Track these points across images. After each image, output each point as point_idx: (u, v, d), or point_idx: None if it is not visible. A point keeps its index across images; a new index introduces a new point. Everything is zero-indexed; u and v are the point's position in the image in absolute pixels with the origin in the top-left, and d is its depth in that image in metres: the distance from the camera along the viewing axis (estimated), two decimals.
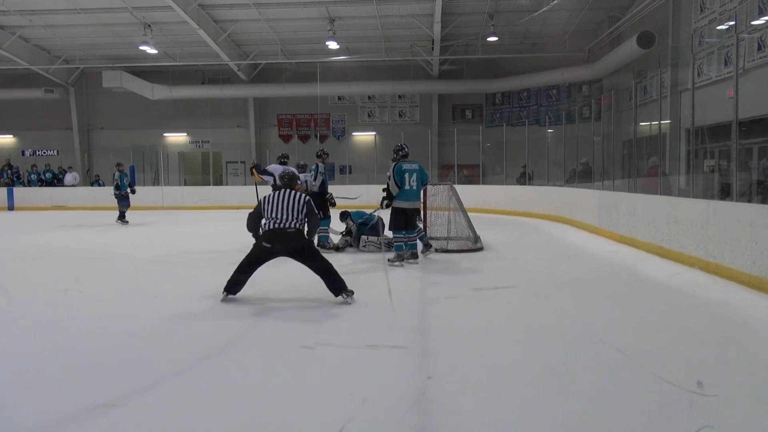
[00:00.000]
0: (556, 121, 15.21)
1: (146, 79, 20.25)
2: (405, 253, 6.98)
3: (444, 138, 19.21)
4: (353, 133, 21.63)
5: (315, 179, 8.19)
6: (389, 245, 7.75)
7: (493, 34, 16.16)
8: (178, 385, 3.15)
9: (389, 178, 6.99)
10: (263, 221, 4.94)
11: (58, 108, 21.77)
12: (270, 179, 8.03)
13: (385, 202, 7.04)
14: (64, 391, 3.04)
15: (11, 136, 22.61)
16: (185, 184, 20.61)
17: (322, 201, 7.98)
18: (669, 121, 10.17)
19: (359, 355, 3.64)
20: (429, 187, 8.46)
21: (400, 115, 21.52)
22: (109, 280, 6.32)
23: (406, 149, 7.17)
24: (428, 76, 20.08)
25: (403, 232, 6.95)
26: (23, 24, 16.69)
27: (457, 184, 11.92)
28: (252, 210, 5.12)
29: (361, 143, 21.38)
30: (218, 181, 20.88)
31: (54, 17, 16.25)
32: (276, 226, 4.81)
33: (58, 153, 22.00)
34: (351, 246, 8.22)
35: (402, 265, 6.84)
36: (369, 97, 21.45)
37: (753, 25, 9.92)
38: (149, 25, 16.14)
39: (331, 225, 8.40)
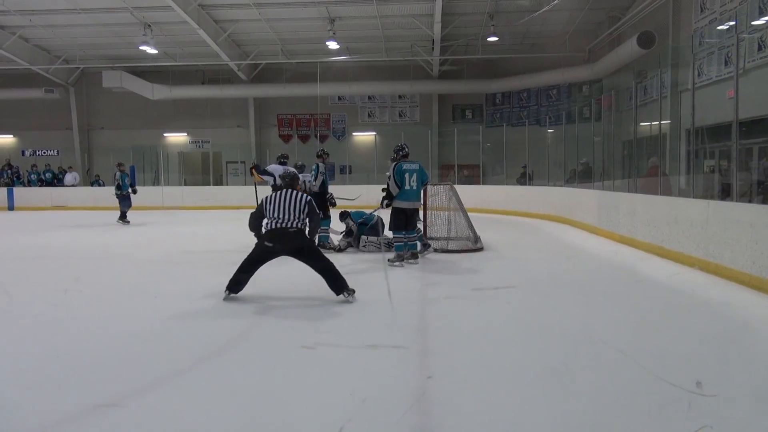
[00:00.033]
0: (556, 121, 15.21)
1: (146, 79, 20.25)
2: (405, 254, 6.98)
3: (444, 138, 19.21)
4: (353, 133, 21.64)
5: (315, 179, 8.18)
6: (389, 245, 7.75)
7: (494, 34, 16.16)
8: (178, 385, 3.15)
9: (389, 178, 6.99)
10: (265, 221, 4.98)
11: (58, 108, 21.78)
12: (270, 179, 8.03)
13: (386, 201, 7.04)
14: (64, 391, 3.04)
15: (11, 136, 22.62)
16: (185, 184, 20.61)
17: (322, 201, 7.98)
18: (669, 122, 10.17)
19: (359, 355, 3.64)
20: (429, 187, 8.46)
21: (400, 115, 21.52)
22: (109, 280, 6.32)
23: (407, 149, 7.17)
24: (428, 76, 20.08)
25: (403, 233, 6.95)
26: (23, 24, 16.70)
27: (457, 184, 11.92)
28: (254, 210, 5.16)
29: (361, 143, 21.38)
30: (218, 181, 20.88)
31: (54, 17, 16.26)
32: (278, 225, 4.86)
33: (58, 153, 22.01)
34: (351, 246, 8.21)
35: (402, 266, 6.84)
36: (369, 97, 21.45)
37: (753, 25, 9.92)
38: (149, 25, 16.14)
39: (331, 225, 8.40)
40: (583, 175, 12.03)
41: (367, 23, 16.66)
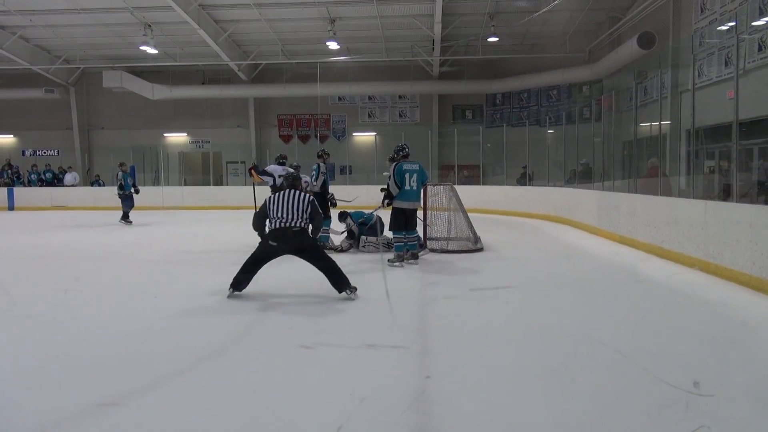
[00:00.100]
0: (556, 121, 15.22)
1: (146, 79, 20.26)
2: (405, 254, 6.98)
3: (444, 138, 19.22)
4: (353, 134, 21.65)
5: (316, 179, 8.20)
6: (389, 245, 7.76)
7: (494, 35, 16.17)
8: (178, 385, 3.15)
9: (389, 178, 7.00)
10: (269, 220, 5.08)
11: (58, 108, 21.78)
12: (269, 180, 8.02)
13: (386, 201, 7.05)
14: (64, 391, 3.04)
15: (11, 136, 22.63)
16: (185, 184, 20.62)
17: (323, 201, 7.99)
18: (669, 122, 10.18)
19: (358, 354, 3.64)
20: (429, 187, 8.46)
21: (400, 116, 21.52)
22: (109, 280, 6.32)
23: (407, 149, 7.17)
24: (428, 77, 20.09)
25: (403, 233, 6.95)
26: (24, 24, 16.70)
27: (458, 184, 11.93)
28: (257, 210, 5.26)
29: (361, 144, 21.39)
30: (218, 182, 20.89)
31: (54, 17, 16.26)
32: (281, 225, 4.96)
33: (58, 153, 22.02)
34: (353, 247, 8.21)
35: (402, 266, 6.84)
36: (369, 98, 21.46)
37: (753, 25, 9.93)
38: (149, 25, 16.15)
39: (331, 226, 8.40)
40: (583, 176, 12.03)
41: (367, 23, 16.67)
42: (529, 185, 14.95)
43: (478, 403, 2.83)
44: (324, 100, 21.18)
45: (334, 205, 8.46)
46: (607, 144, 10.40)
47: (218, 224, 12.69)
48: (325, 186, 8.27)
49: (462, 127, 19.23)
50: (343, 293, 5.01)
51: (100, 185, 19.71)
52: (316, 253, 5.17)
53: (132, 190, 12.81)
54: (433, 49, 17.90)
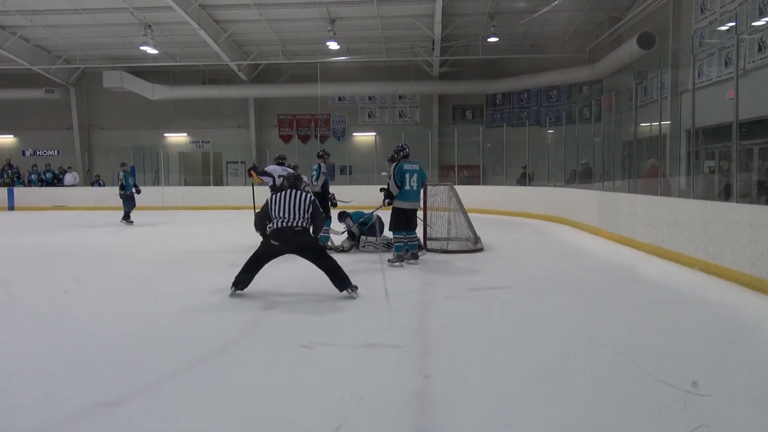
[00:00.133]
0: (556, 121, 15.21)
1: (147, 80, 20.27)
2: (405, 254, 6.98)
3: (444, 138, 19.22)
4: (353, 134, 21.65)
5: (317, 179, 8.21)
6: (388, 246, 7.76)
7: (494, 35, 16.17)
8: (178, 385, 3.15)
9: (389, 177, 7.00)
10: (270, 220, 5.14)
11: (58, 108, 21.79)
12: (269, 180, 8.02)
13: (387, 200, 7.05)
14: (64, 390, 3.05)
15: (12, 136, 22.63)
16: (185, 185, 20.63)
17: (323, 201, 7.99)
18: (669, 122, 10.18)
19: (357, 354, 3.65)
20: (429, 187, 8.47)
21: (400, 116, 21.53)
22: (109, 280, 6.32)
23: (407, 150, 7.17)
24: (428, 77, 20.09)
25: (404, 233, 6.95)
26: (24, 24, 16.71)
27: (458, 184, 11.93)
28: (258, 210, 5.32)
29: (361, 144, 21.39)
30: (218, 182, 20.90)
31: (55, 17, 16.27)
32: (283, 225, 5.01)
33: (58, 153, 22.02)
34: (353, 247, 8.22)
35: (402, 266, 6.84)
36: (369, 98, 21.46)
37: (753, 26, 9.93)
38: (150, 26, 16.15)
39: (331, 226, 8.41)
40: (583, 176, 12.04)
41: (367, 24, 16.67)
42: (529, 185, 14.95)
43: (477, 403, 2.83)
44: (324, 101, 21.19)
45: (335, 205, 8.46)
46: (607, 144, 10.40)
47: (218, 224, 12.70)
48: (325, 186, 8.28)
49: (462, 128, 19.24)
50: (344, 292, 5.06)
51: (100, 185, 19.72)
52: (317, 252, 5.22)
53: (133, 190, 12.80)
54: (433, 49, 17.90)
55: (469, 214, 8.73)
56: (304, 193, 5.19)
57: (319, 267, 5.12)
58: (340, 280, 5.06)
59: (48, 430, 2.61)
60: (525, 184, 15.17)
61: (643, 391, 2.96)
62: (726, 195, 8.45)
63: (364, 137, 21.32)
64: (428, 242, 8.24)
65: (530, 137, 14.90)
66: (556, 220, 12.42)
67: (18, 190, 19.09)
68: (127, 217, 12.79)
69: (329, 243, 8.18)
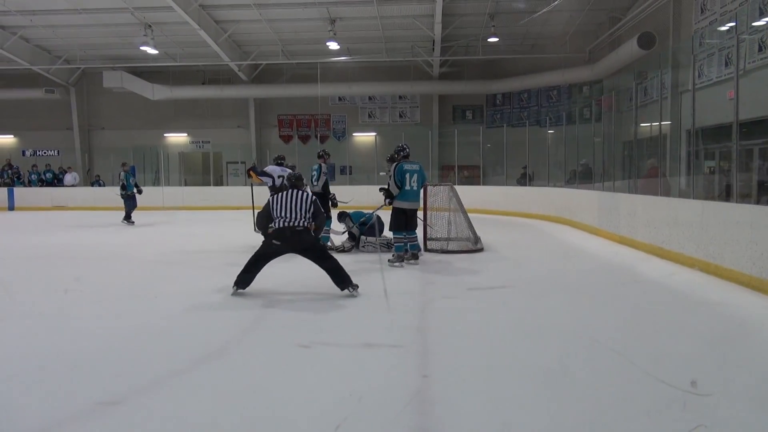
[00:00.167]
0: (556, 122, 15.21)
1: (147, 80, 20.27)
2: (405, 254, 6.98)
3: (444, 139, 19.22)
4: (354, 134, 21.65)
5: (317, 179, 8.23)
6: (388, 246, 7.76)
7: (494, 35, 16.17)
8: (178, 384, 3.16)
9: (390, 177, 7.00)
10: (272, 220, 5.19)
11: (58, 108, 21.79)
12: (268, 180, 8.03)
13: (387, 200, 7.05)
14: (64, 391, 3.05)
15: (12, 136, 22.63)
16: (186, 185, 20.62)
17: (323, 201, 8.00)
18: (669, 122, 10.18)
19: (356, 354, 3.65)
20: (429, 187, 8.48)
21: (400, 116, 21.53)
22: (109, 280, 6.32)
23: (408, 150, 7.17)
24: (429, 77, 20.09)
25: (404, 233, 6.95)
26: (24, 24, 16.71)
27: (458, 184, 11.93)
28: (261, 210, 5.38)
29: (361, 144, 21.39)
30: (219, 182, 20.90)
31: (55, 17, 16.27)
32: (285, 224, 5.06)
33: (58, 153, 22.02)
34: (354, 247, 8.22)
35: (402, 266, 6.84)
36: (369, 98, 21.46)
37: (753, 26, 9.93)
38: (150, 26, 16.16)
39: (332, 226, 8.41)
40: (583, 176, 12.04)
41: (367, 24, 16.67)
42: (530, 185, 14.95)
43: (476, 403, 2.83)
44: (324, 101, 21.19)
45: (335, 205, 8.47)
46: (607, 144, 10.40)
47: (218, 224, 12.70)
48: (326, 186, 8.30)
49: (462, 128, 19.23)
50: (345, 290, 5.11)
51: (100, 185, 19.73)
52: (318, 252, 5.28)
53: (135, 190, 12.78)
54: (434, 49, 17.90)
55: (469, 215, 8.73)
56: (305, 193, 5.25)
57: (321, 266, 5.17)
58: (341, 279, 5.11)
59: (48, 430, 2.61)
60: (525, 185, 15.17)
61: (643, 391, 2.97)
62: (727, 195, 8.45)
63: (364, 137, 21.32)
64: (428, 242, 8.24)
65: (530, 137, 14.90)
66: (556, 221, 12.42)
67: (18, 191, 19.10)
68: (128, 218, 12.77)
69: (329, 243, 8.18)
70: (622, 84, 13.07)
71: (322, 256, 5.24)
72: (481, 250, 8.18)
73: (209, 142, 21.95)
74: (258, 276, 5.22)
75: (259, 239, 8.13)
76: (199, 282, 5.98)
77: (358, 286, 5.16)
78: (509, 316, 4.64)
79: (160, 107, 21.30)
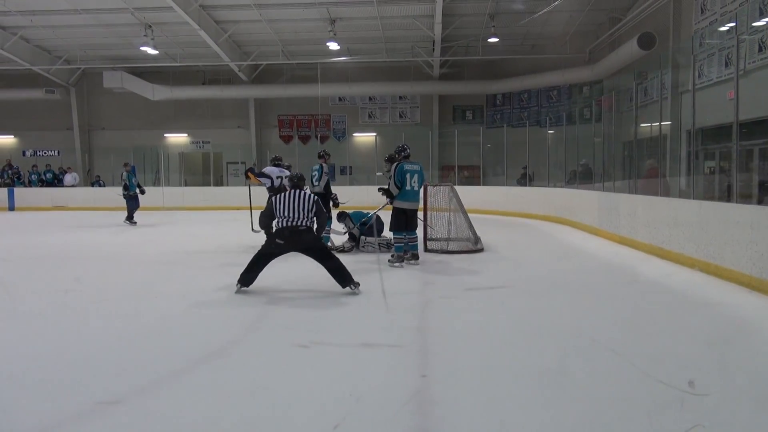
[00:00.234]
0: (556, 122, 15.22)
1: (147, 80, 20.28)
2: (405, 254, 6.98)
3: (444, 139, 19.23)
4: (354, 134, 21.66)
5: (318, 180, 8.25)
6: (388, 246, 7.77)
7: (494, 36, 16.18)
8: (177, 384, 3.16)
9: (389, 177, 7.00)
10: (275, 220, 5.29)
11: (58, 108, 21.80)
12: (267, 181, 8.04)
13: (388, 200, 7.06)
14: (64, 391, 3.05)
15: (12, 136, 22.64)
16: (186, 185, 20.64)
17: (324, 201, 8.01)
18: (669, 123, 10.18)
19: (355, 354, 3.65)
20: (429, 187, 8.49)
21: (400, 116, 21.53)
22: (109, 280, 6.33)
23: (408, 150, 7.18)
24: (429, 77, 20.10)
25: (404, 233, 6.95)
26: (24, 24, 16.73)
27: (458, 185, 11.92)
28: (263, 209, 5.51)
29: (361, 144, 21.40)
30: (219, 182, 20.91)
31: (55, 18, 16.28)
32: (288, 224, 5.16)
33: (58, 153, 22.03)
34: (354, 248, 8.22)
35: (402, 266, 6.84)
36: (369, 98, 21.46)
37: (754, 26, 9.93)
38: (150, 26, 16.17)
39: (332, 226, 8.42)
40: (583, 176, 12.04)
41: (367, 24, 16.68)
42: (530, 186, 14.95)
43: (475, 403, 2.83)
44: (324, 101, 21.20)
45: (337, 205, 8.50)
46: (607, 144, 10.40)
47: (219, 225, 12.70)
48: (327, 186, 8.32)
49: (462, 128, 19.23)
50: (347, 288, 5.17)
51: (100, 186, 19.74)
52: (321, 251, 5.38)
53: (137, 190, 12.76)
54: (434, 49, 17.90)
55: (469, 215, 8.73)
56: (307, 193, 5.35)
57: (323, 265, 5.25)
58: (343, 277, 5.18)
59: (48, 430, 2.61)
60: (525, 185, 15.17)
61: (641, 391, 2.97)
62: (728, 196, 8.45)
63: (365, 138, 21.33)
64: (428, 242, 8.24)
65: (530, 138, 14.91)
66: (556, 221, 12.42)
67: (18, 191, 19.10)
68: (130, 218, 12.75)
69: (329, 243, 8.19)
70: (622, 84, 13.07)
71: (323, 255, 5.33)
72: (481, 250, 8.18)
73: (209, 142, 21.96)
74: (260, 275, 5.28)
75: (258, 239, 8.15)
76: (199, 282, 5.99)
77: (359, 284, 5.23)
78: (508, 317, 4.64)
79: (160, 107, 21.31)
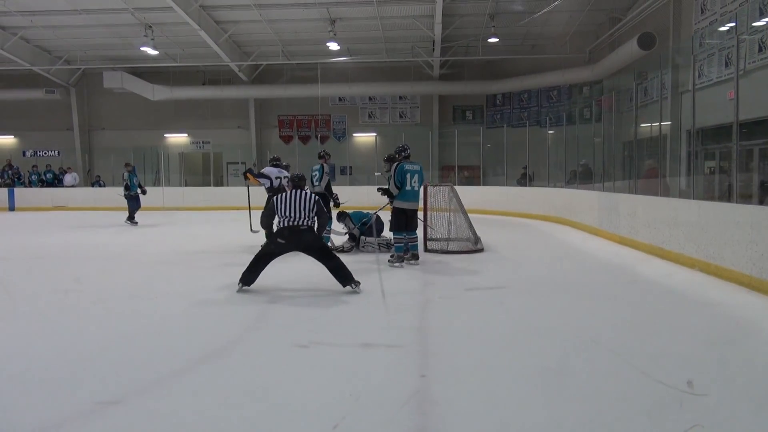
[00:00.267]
0: (556, 122, 15.22)
1: (147, 80, 20.28)
2: (405, 254, 6.98)
3: (444, 139, 19.23)
4: (354, 134, 21.65)
5: (319, 180, 8.26)
6: (387, 246, 7.77)
7: (494, 36, 16.17)
8: (177, 385, 3.16)
9: (390, 177, 7.00)
10: (277, 219, 5.36)
11: (59, 109, 21.80)
12: (266, 182, 8.04)
13: (389, 200, 7.06)
14: (64, 391, 3.05)
15: (12, 136, 22.64)
16: (186, 185, 20.64)
17: (325, 201, 8.01)
18: (670, 123, 10.18)
19: (354, 354, 3.65)
20: (429, 188, 8.49)
21: (400, 116, 21.53)
22: (109, 280, 6.33)
23: (409, 150, 7.18)
24: (429, 78, 20.09)
25: (404, 233, 6.95)
26: (24, 25, 16.72)
27: (458, 185, 11.92)
28: (265, 209, 5.63)
29: (361, 144, 21.40)
30: (219, 182, 20.90)
31: (55, 18, 16.28)
32: (290, 224, 5.21)
33: (59, 154, 22.04)
34: (354, 248, 8.22)
35: (402, 266, 6.84)
36: (369, 98, 21.46)
37: (754, 26, 9.92)
38: (150, 26, 16.17)
39: (332, 226, 8.43)
40: (583, 177, 12.04)
41: (367, 24, 16.68)
42: (530, 186, 14.95)
43: (474, 403, 2.84)
44: (324, 101, 21.20)
45: (338, 205, 8.51)
46: (607, 145, 10.40)
47: (219, 225, 12.71)
48: (329, 186, 8.34)
49: (462, 128, 19.23)
50: (348, 287, 5.22)
51: (100, 186, 19.74)
52: (322, 250, 5.42)
53: (138, 190, 12.75)
54: (434, 49, 17.90)
55: (469, 215, 8.74)
56: (309, 193, 5.40)
57: (324, 264, 5.30)
58: (344, 276, 5.23)
59: (48, 430, 2.61)
60: (525, 185, 15.17)
61: (640, 390, 2.97)
62: (728, 196, 8.45)
63: (365, 138, 21.33)
64: (428, 243, 8.25)
65: (530, 138, 14.91)
66: (556, 221, 12.42)
67: (18, 191, 19.11)
68: (131, 218, 12.74)
69: (330, 243, 8.19)
70: (622, 84, 13.08)
71: (324, 254, 5.38)
72: (481, 250, 8.18)
73: (209, 142, 21.96)
74: (262, 274, 5.32)
75: (258, 239, 8.16)
76: (198, 282, 6.00)
77: (359, 283, 5.27)
78: (508, 317, 4.64)
79: (160, 108, 21.31)
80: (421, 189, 7.59)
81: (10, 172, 20.16)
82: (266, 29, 17.04)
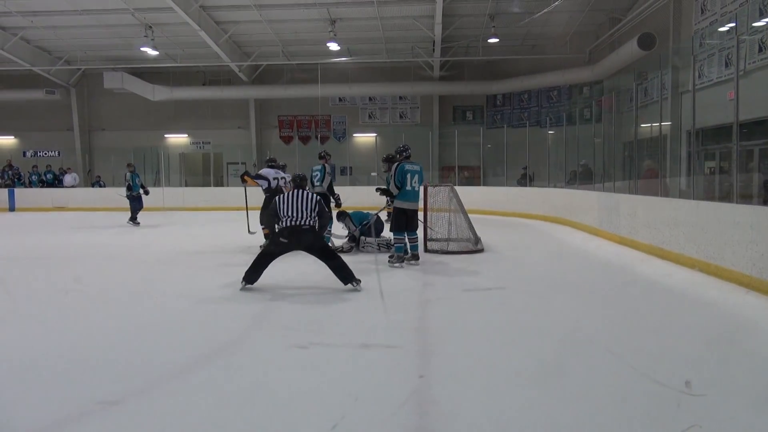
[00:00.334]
0: (556, 122, 15.21)
1: (147, 80, 20.29)
2: (405, 254, 6.99)
3: (445, 139, 19.23)
4: (354, 135, 21.65)
5: (321, 180, 8.27)
6: (387, 246, 7.77)
7: (494, 36, 16.17)
8: (177, 385, 3.16)
9: (390, 177, 7.00)
10: (279, 219, 5.42)
11: (59, 109, 21.80)
12: (264, 183, 8.05)
13: (389, 200, 7.06)
14: (64, 391, 3.05)
15: (12, 137, 22.65)
16: (186, 185, 20.63)
17: (325, 201, 8.02)
18: (670, 123, 10.18)
19: (353, 354, 3.65)
20: (429, 188, 8.49)
21: (400, 117, 21.54)
22: (109, 281, 6.33)
23: (409, 150, 7.18)
24: (429, 78, 20.09)
25: (404, 234, 6.95)
26: (25, 25, 16.74)
27: (458, 185, 11.92)
28: (267, 209, 5.74)
29: (361, 145, 21.40)
30: (219, 182, 20.90)
31: (55, 18, 16.30)
32: (292, 223, 5.28)
33: (59, 154, 22.05)
34: (353, 248, 8.22)
35: (402, 266, 6.84)
36: (370, 99, 21.47)
37: (754, 26, 9.93)
38: (150, 27, 16.18)
39: (332, 228, 8.44)
40: (583, 177, 12.04)
41: (367, 24, 16.68)
42: (530, 186, 14.95)
43: (472, 403, 2.84)
44: (324, 102, 21.20)
45: (339, 205, 8.52)
46: (607, 145, 10.40)
47: (219, 225, 12.69)
48: (330, 187, 8.35)
49: (462, 128, 19.23)
50: (349, 285, 5.30)
51: (101, 186, 19.74)
52: (323, 249, 5.50)
53: (140, 191, 12.74)
54: (434, 50, 17.91)
55: (469, 215, 8.74)
56: (310, 194, 5.47)
57: (325, 263, 5.37)
58: (345, 275, 5.31)
59: (48, 430, 2.61)
60: (525, 185, 15.17)
61: (638, 390, 2.97)
62: (728, 196, 8.46)
63: (365, 138, 21.34)
64: (428, 243, 8.25)
65: (531, 138, 14.90)
66: (556, 221, 12.41)
67: (18, 191, 19.11)
68: (134, 219, 12.73)
69: (330, 243, 8.19)
70: (622, 84, 13.09)
71: (326, 253, 5.46)
72: (481, 250, 8.18)
73: (210, 142, 21.97)
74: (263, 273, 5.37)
75: (256, 240, 8.18)
76: (199, 282, 5.99)
77: (360, 281, 5.35)
78: (508, 317, 4.64)
79: (160, 108, 21.32)
80: (421, 189, 7.60)
81: (10, 172, 20.17)
82: (266, 29, 17.05)
